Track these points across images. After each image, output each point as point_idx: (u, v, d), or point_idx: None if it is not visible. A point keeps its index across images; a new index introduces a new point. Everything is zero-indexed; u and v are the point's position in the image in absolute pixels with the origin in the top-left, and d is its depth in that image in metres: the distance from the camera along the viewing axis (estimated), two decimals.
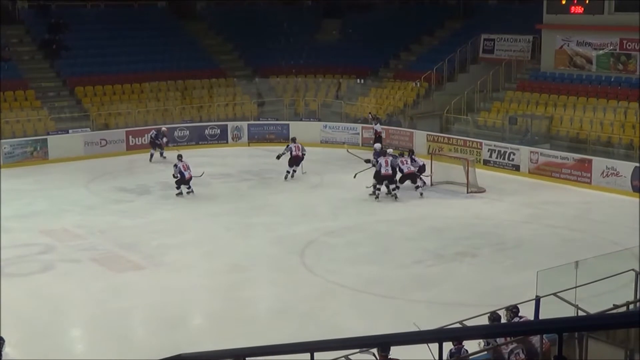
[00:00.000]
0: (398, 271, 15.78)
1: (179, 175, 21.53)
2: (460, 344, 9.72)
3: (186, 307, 14.18)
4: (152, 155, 26.90)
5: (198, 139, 28.76)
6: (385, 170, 21.13)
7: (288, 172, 23.71)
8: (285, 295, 14.58)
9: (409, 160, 21.65)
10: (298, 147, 23.92)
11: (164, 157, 26.69)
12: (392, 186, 21.34)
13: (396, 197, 21.22)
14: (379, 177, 21.27)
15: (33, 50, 31.10)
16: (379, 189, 21.29)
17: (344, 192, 22.42)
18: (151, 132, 27.43)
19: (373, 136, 27.13)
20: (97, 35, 32.23)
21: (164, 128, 27.70)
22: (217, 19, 36.04)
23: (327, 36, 35.78)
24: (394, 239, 18.03)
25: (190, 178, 21.64)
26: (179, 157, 22.15)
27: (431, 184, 22.46)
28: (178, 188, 21.70)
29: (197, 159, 27.02)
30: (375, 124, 27.30)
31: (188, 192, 21.69)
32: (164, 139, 27.11)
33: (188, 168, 21.70)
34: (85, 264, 16.24)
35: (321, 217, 19.84)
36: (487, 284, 14.98)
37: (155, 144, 27.12)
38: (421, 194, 21.49)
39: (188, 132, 29.13)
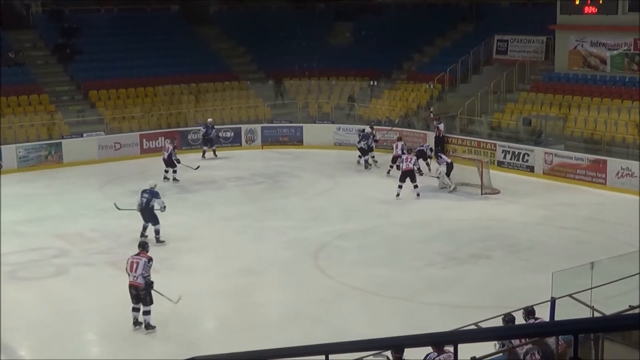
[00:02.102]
0: (411, 274, 15.73)
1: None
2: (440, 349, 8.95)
3: (199, 310, 14.17)
4: (204, 152, 27.16)
5: (201, 139, 28.68)
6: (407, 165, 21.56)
7: (366, 160, 25.09)
8: (297, 298, 14.56)
9: (413, 158, 21.66)
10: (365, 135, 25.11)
11: (216, 156, 26.95)
12: (413, 184, 21.55)
13: (418, 195, 21.52)
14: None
15: (47, 54, 31.27)
16: (400, 187, 21.48)
17: (356, 195, 22.40)
18: (201, 130, 27.60)
19: (437, 135, 26.48)
20: (110, 40, 32.40)
21: (210, 119, 28.00)
22: (229, 22, 36.13)
23: (340, 39, 35.80)
24: (406, 241, 17.99)
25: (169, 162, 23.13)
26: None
27: (452, 187, 22.36)
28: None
29: (209, 161, 27.16)
30: (439, 123, 26.89)
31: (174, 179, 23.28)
32: (215, 133, 27.04)
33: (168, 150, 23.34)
34: (100, 267, 16.28)
35: (333, 220, 19.84)
36: (501, 286, 14.91)
37: (206, 140, 27.17)
38: (418, 194, 21.49)
39: (201, 135, 29.12)
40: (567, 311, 10.01)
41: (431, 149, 25.40)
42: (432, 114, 27.98)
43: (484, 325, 9.57)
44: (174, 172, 24.14)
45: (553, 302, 10.20)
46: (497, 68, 30.13)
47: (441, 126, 26.75)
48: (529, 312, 10.23)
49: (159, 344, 12.99)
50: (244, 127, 30.03)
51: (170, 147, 24.14)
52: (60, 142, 26.91)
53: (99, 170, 25.84)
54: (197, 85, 32.11)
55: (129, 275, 13.17)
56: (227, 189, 23.33)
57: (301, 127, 30.13)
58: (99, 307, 14.21)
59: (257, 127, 30.08)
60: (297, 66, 33.60)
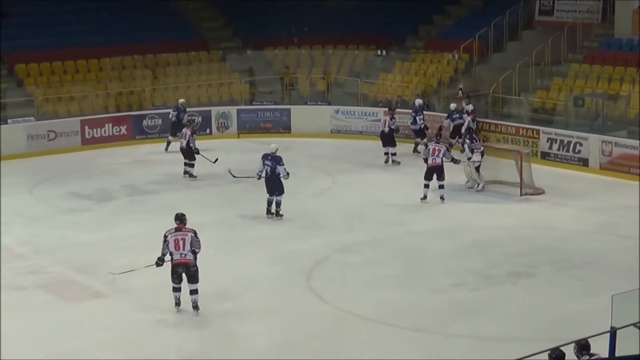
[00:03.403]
0: (432, 297, 15.79)
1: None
2: None
3: (160, 346, 14.21)
4: (169, 143, 27.52)
5: (168, 124, 28.69)
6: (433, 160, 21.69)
7: (386, 153, 25.55)
8: (288, 329, 14.60)
9: (442, 149, 21.75)
10: (385, 120, 25.68)
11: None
12: (440, 182, 21.68)
13: (442, 198, 21.70)
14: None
15: None
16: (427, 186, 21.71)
17: (361, 196, 22.45)
18: (171, 114, 27.81)
19: (465, 122, 26.59)
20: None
21: (182, 100, 28.30)
22: None
23: None
24: (427, 256, 18.06)
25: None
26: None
27: (481, 186, 22.51)
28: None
29: (171, 155, 27.18)
30: (468, 104, 27.14)
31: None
32: (189, 118, 27.22)
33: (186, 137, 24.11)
34: (30, 291, 16.26)
35: (333, 228, 19.90)
36: (547, 312, 14.98)
37: (176, 127, 27.24)
38: (442, 197, 21.69)
39: (160, 120, 29.20)
40: (631, 345, 10.07)
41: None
42: (461, 91, 28.08)
43: None
44: (191, 165, 24.39)
45: (613, 333, 10.26)
46: (540, 33, 30.23)
47: (470, 107, 26.84)
48: (582, 346, 10.29)
49: None
50: (214, 110, 30.11)
51: (188, 133, 24.36)
52: None
53: (28, 166, 25.87)
54: (154, 57, 32.14)
55: (172, 253, 14.70)
56: (195, 190, 23.36)
57: (289, 110, 30.21)
58: (29, 342, 14.21)
59: (232, 110, 30.15)
60: (283, 32, 33.63)
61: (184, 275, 14.87)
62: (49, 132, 27.86)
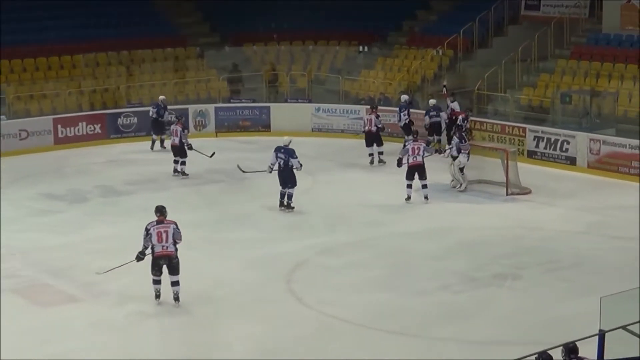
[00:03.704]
0: (418, 300, 15.81)
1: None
2: None
3: (136, 352, 14.17)
4: (154, 142, 27.44)
5: (150, 127, 28.64)
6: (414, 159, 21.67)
7: (371, 154, 25.69)
8: (269, 334, 14.57)
9: (421, 147, 21.79)
10: (370, 119, 25.45)
11: (164, 147, 27.16)
12: (422, 182, 21.74)
13: (427, 198, 21.72)
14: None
15: None
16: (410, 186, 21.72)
17: (343, 196, 22.47)
18: (151, 111, 27.69)
19: (448, 118, 26.82)
20: None
21: (162, 97, 28.17)
22: None
23: None
24: (412, 257, 18.07)
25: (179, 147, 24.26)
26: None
27: (464, 186, 22.56)
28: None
29: (148, 154, 27.12)
30: (452, 101, 27.18)
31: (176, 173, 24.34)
32: (170, 115, 27.18)
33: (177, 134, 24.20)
34: (5, 296, 16.17)
35: (314, 230, 19.90)
36: (535, 314, 15.02)
37: (158, 125, 27.34)
38: (426, 197, 21.72)
39: (136, 119, 29.14)
40: (620, 348, 10.11)
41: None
42: (445, 89, 28.12)
43: None
44: (183, 163, 24.45)
45: (602, 335, 10.30)
46: (526, 28, 30.34)
47: (455, 105, 26.89)
48: (570, 349, 10.33)
49: None
50: (192, 108, 30.05)
51: (179, 129, 24.45)
52: None
53: None
54: (129, 53, 32.07)
55: (154, 246, 15.13)
56: (171, 190, 23.29)
57: (268, 108, 30.20)
58: (6, 347, 14.15)
59: (210, 108, 30.12)
60: (262, 27, 33.61)
61: (164, 268, 15.25)
62: (21, 131, 27.73)
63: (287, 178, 20.93)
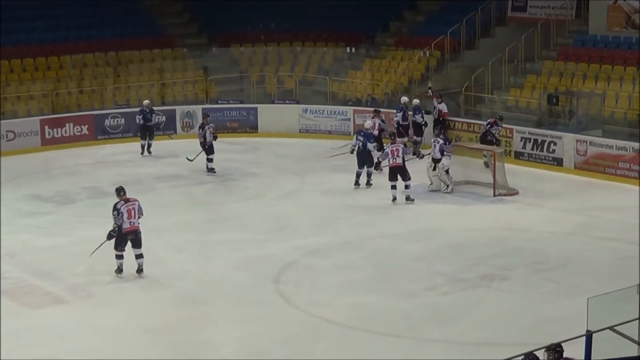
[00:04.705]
0: (405, 301, 15.84)
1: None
2: None
3: (124, 353, 14.16)
4: (143, 147, 27.36)
5: (137, 128, 28.58)
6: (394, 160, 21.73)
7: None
8: (256, 335, 14.58)
9: (400, 148, 21.81)
10: (375, 123, 25.16)
11: (150, 152, 27.24)
12: (405, 183, 21.83)
13: (410, 199, 21.77)
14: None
15: None
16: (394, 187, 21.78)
17: (331, 198, 22.48)
18: (137, 118, 27.58)
19: (437, 118, 26.92)
20: None
21: (146, 101, 28.09)
22: None
23: None
24: (399, 259, 18.10)
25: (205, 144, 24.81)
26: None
27: (450, 187, 22.59)
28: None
29: (134, 155, 27.07)
30: (440, 102, 27.17)
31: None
32: (157, 118, 27.32)
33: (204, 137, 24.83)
34: None
35: (302, 231, 19.91)
36: (522, 316, 15.06)
37: (146, 129, 27.32)
38: (408, 197, 21.77)
39: (123, 120, 29.10)
40: (607, 348, 10.14)
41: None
42: (430, 91, 28.15)
43: None
44: (209, 160, 24.82)
45: (589, 336, 10.33)
46: (513, 29, 30.39)
47: (443, 106, 26.93)
48: (556, 350, 10.35)
49: None
50: (179, 109, 30.04)
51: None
52: None
53: None
54: (116, 54, 32.00)
55: (124, 222, 16.42)
56: (158, 192, 23.27)
57: (255, 109, 30.19)
58: None
59: (197, 109, 30.06)
60: (250, 27, 33.59)
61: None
62: (8, 132, 27.65)
63: (365, 159, 22.75)
